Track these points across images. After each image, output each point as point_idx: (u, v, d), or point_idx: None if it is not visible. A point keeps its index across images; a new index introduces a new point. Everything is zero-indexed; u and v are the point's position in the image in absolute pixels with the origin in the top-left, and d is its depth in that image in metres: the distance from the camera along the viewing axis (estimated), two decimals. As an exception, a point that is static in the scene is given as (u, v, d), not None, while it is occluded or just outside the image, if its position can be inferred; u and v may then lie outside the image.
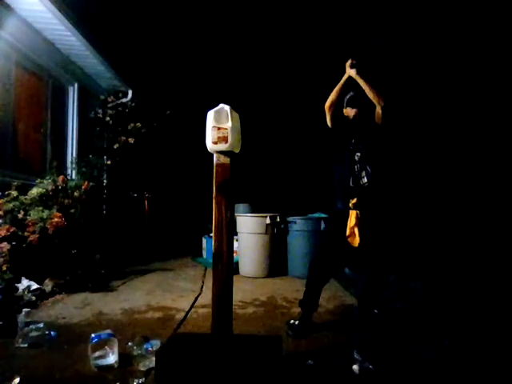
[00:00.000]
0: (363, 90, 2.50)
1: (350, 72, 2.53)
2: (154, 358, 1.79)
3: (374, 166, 2.46)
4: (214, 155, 1.79)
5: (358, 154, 2.50)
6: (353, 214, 2.42)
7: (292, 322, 2.51)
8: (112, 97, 6.13)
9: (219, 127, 1.75)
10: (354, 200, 2.43)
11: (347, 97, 2.60)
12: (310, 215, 4.80)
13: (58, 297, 3.33)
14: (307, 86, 8.04)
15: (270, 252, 4.63)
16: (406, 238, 5.66)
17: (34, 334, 2.20)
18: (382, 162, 2.50)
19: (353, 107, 2.58)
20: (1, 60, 4.04)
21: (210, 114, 1.77)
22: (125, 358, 1.95)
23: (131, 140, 5.78)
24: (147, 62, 7.55)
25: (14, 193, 3.55)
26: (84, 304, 3.15)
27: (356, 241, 2.40)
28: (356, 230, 2.40)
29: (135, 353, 1.99)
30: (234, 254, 4.58)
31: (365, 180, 2.45)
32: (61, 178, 3.95)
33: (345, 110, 2.63)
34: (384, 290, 2.56)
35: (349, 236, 2.42)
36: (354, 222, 2.40)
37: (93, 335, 1.99)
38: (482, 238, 5.46)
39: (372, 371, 1.83)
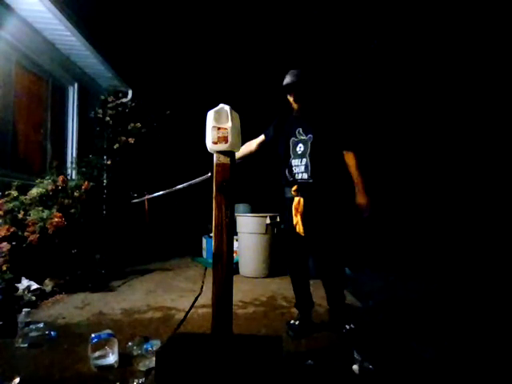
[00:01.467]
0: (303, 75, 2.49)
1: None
2: (154, 358, 1.79)
3: (316, 157, 2.42)
4: (214, 155, 1.79)
5: (301, 145, 2.48)
6: (295, 200, 2.43)
7: (292, 322, 2.51)
8: (112, 97, 6.13)
9: (219, 127, 1.75)
10: (295, 187, 2.44)
11: (284, 82, 2.51)
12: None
13: (57, 297, 3.33)
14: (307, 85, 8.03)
15: (270, 252, 4.63)
16: (405, 237, 5.66)
17: (34, 334, 2.20)
18: (325, 154, 2.44)
19: (290, 93, 2.52)
20: (1, 60, 4.04)
21: (210, 114, 1.77)
22: (125, 357, 1.96)
23: (131, 140, 5.78)
24: (147, 62, 7.55)
25: (14, 193, 3.55)
26: (84, 304, 3.15)
27: (300, 229, 2.40)
28: (299, 218, 2.40)
29: (135, 353, 2.00)
30: (234, 254, 4.58)
31: (304, 175, 2.44)
32: (61, 178, 3.95)
33: (288, 97, 2.57)
34: (339, 286, 2.53)
35: (296, 224, 2.42)
36: (295, 209, 2.41)
37: (93, 335, 1.99)
38: (482, 238, 5.46)
39: (372, 371, 1.83)
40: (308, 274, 2.63)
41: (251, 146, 2.74)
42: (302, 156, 2.46)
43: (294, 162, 2.49)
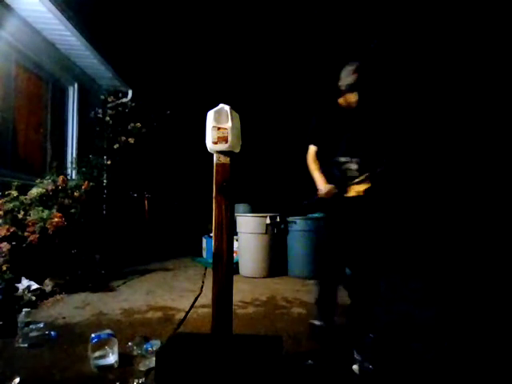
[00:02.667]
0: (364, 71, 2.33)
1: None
2: (153, 358, 1.79)
3: (371, 154, 2.33)
4: (214, 155, 1.79)
5: (354, 140, 2.36)
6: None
7: (317, 323, 2.39)
8: (112, 97, 6.13)
9: (219, 127, 1.74)
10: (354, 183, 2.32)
11: (348, 81, 2.33)
12: (310, 215, 4.80)
13: (58, 297, 3.33)
14: (307, 86, 8.05)
15: (270, 252, 4.63)
16: (405, 237, 5.65)
17: (34, 334, 2.20)
18: (378, 150, 2.36)
19: (353, 91, 2.34)
20: (1, 60, 4.04)
21: (210, 114, 1.77)
22: (125, 357, 1.95)
23: (131, 140, 5.78)
24: (147, 62, 7.55)
25: (14, 193, 3.55)
26: (84, 304, 3.15)
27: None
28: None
29: (135, 353, 2.00)
30: (234, 254, 4.58)
31: (357, 172, 2.33)
32: (61, 178, 3.95)
33: (348, 96, 2.37)
34: (376, 294, 2.37)
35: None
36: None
37: (93, 335, 1.99)
38: (482, 238, 5.46)
39: (372, 371, 1.82)
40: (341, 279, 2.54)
41: (315, 158, 2.49)
42: (355, 152, 2.33)
43: (346, 158, 2.35)
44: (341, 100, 2.43)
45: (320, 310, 2.46)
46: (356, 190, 2.32)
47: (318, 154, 2.45)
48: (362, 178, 2.30)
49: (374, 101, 2.45)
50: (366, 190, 2.30)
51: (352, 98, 2.35)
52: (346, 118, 2.40)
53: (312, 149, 2.47)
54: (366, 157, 2.33)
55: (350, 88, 2.33)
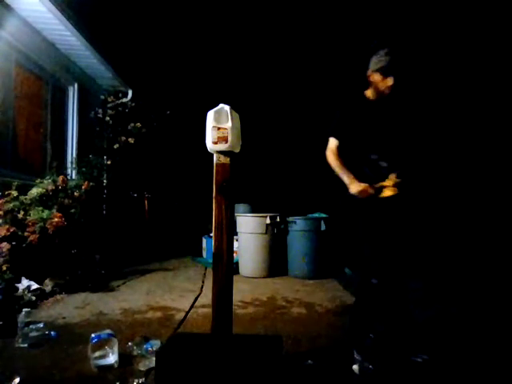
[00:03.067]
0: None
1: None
2: (153, 358, 1.79)
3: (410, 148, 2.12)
4: (214, 155, 1.79)
5: (390, 134, 2.12)
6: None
7: (365, 365, 1.91)
8: (112, 97, 6.14)
9: (219, 127, 1.74)
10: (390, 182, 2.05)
11: (382, 64, 2.08)
12: (310, 215, 4.80)
13: (58, 297, 3.33)
14: (307, 86, 8.05)
15: (270, 252, 4.63)
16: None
17: (34, 334, 2.20)
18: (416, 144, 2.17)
19: (388, 75, 2.06)
20: (1, 60, 4.04)
21: (210, 114, 1.77)
22: (125, 357, 1.96)
23: (131, 140, 5.78)
24: (147, 62, 7.55)
25: (14, 193, 3.55)
26: (84, 304, 3.15)
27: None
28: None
29: (135, 353, 2.00)
30: (234, 254, 4.58)
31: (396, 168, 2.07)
32: (61, 178, 3.95)
33: (381, 83, 2.10)
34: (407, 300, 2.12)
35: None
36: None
37: (93, 335, 1.99)
38: (482, 238, 5.46)
39: (372, 371, 1.82)
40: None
41: (337, 154, 2.21)
42: (387, 149, 2.11)
43: (377, 156, 2.11)
44: (369, 92, 2.20)
45: (357, 342, 2.01)
46: (391, 190, 2.05)
47: (339, 150, 2.18)
48: (393, 178, 2.05)
49: (410, 91, 2.24)
50: (399, 190, 2.05)
51: (387, 82, 2.08)
52: (376, 111, 2.16)
53: (333, 142, 2.20)
54: (397, 154, 2.12)
55: (385, 71, 2.07)
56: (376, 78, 2.11)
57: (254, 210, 5.88)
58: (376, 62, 2.11)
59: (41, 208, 3.63)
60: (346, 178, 2.09)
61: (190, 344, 1.81)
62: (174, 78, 8.25)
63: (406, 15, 6.89)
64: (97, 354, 1.89)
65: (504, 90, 6.18)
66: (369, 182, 2.05)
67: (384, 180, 2.06)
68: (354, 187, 2.03)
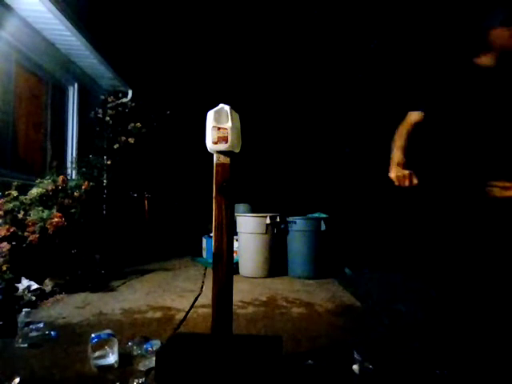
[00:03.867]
0: None
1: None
2: (153, 358, 1.79)
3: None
4: (214, 155, 1.79)
5: (503, 114, 1.63)
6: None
7: None
8: (112, 97, 6.14)
9: (219, 127, 1.75)
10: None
11: (507, 13, 1.64)
12: (310, 215, 4.80)
13: (58, 297, 3.33)
14: (307, 86, 8.04)
15: (270, 252, 4.63)
16: (404, 237, 5.64)
17: (34, 334, 2.20)
18: None
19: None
20: (1, 60, 4.04)
21: (210, 114, 1.77)
22: (125, 357, 1.95)
23: (131, 140, 5.79)
24: (147, 62, 7.55)
25: (14, 193, 3.55)
26: (84, 304, 3.15)
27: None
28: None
29: (135, 353, 2.00)
30: (234, 254, 4.59)
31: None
32: (61, 178, 3.95)
33: (501, 32, 1.64)
34: None
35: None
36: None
37: (93, 335, 1.99)
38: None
39: (372, 371, 1.82)
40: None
41: (409, 132, 1.77)
42: (500, 135, 1.63)
43: (486, 143, 1.64)
44: (485, 58, 1.72)
45: None
46: (503, 190, 1.59)
47: (416, 127, 1.75)
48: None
49: None
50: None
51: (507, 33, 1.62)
52: (492, 83, 1.65)
53: (413, 116, 1.76)
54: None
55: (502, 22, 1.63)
56: (501, 33, 1.65)
57: (254, 209, 5.88)
58: (495, 14, 1.68)
59: (41, 208, 3.63)
60: (392, 157, 1.73)
61: (190, 344, 1.81)
62: (173, 78, 8.25)
63: (406, 15, 6.89)
64: (97, 353, 1.89)
65: None
66: (472, 178, 1.63)
67: (496, 177, 1.58)
68: (393, 171, 1.69)
